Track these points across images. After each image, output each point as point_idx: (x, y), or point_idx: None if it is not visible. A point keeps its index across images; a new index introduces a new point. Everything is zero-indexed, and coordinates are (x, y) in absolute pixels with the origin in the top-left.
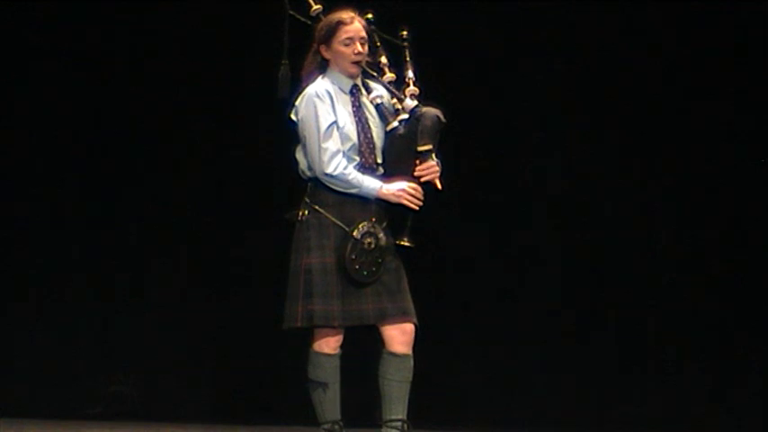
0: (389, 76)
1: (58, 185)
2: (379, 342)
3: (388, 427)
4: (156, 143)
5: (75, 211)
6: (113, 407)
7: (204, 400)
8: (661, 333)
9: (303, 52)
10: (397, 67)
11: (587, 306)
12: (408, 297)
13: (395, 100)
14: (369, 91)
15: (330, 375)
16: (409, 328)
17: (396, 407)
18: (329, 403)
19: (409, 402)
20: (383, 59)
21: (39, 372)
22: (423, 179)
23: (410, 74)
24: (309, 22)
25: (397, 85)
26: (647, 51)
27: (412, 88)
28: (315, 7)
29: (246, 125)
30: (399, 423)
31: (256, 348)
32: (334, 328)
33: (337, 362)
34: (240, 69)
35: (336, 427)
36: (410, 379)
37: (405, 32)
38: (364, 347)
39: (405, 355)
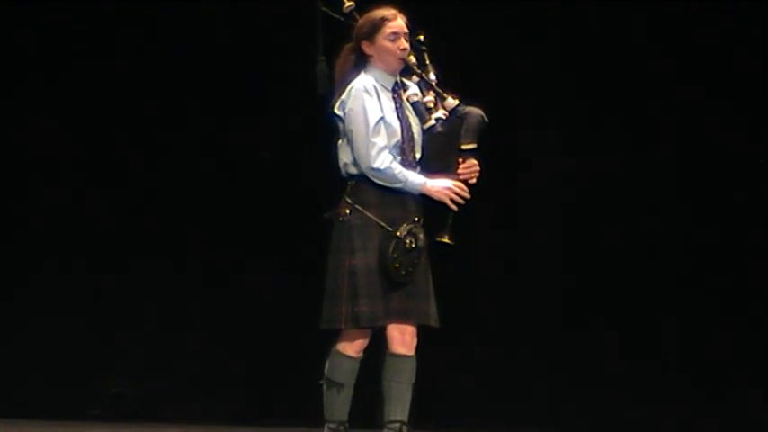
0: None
1: (60, 183)
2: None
3: (387, 428)
4: (161, 131)
5: (76, 210)
6: (113, 408)
7: (204, 400)
8: (665, 335)
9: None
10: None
11: (589, 306)
12: (434, 299)
13: (427, 99)
14: (405, 89)
15: (348, 377)
16: (412, 329)
17: (395, 408)
18: (340, 404)
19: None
20: (411, 59)
21: (39, 372)
22: (464, 178)
23: (432, 76)
24: (342, 19)
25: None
26: (652, 49)
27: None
28: (347, 4)
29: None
30: (398, 425)
31: (257, 348)
32: (368, 329)
33: (357, 365)
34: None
35: (342, 427)
36: (412, 380)
37: (421, 36)
38: (372, 348)
39: (405, 356)
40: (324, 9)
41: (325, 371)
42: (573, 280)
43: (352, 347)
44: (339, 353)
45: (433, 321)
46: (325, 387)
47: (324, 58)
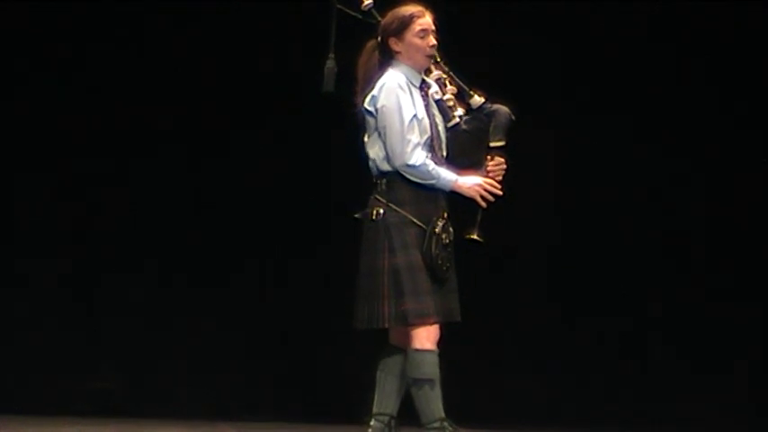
0: (436, 74)
1: (61, 180)
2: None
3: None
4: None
5: (70, 209)
6: (99, 403)
7: (190, 397)
8: (658, 332)
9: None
10: None
11: (582, 303)
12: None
13: (446, 96)
14: (428, 86)
15: (435, 372)
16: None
17: (387, 401)
18: (436, 400)
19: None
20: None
21: (24, 368)
22: (492, 175)
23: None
24: (360, 17)
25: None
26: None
27: (450, 87)
28: (366, 2)
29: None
30: (386, 418)
31: (243, 346)
32: (431, 324)
33: (438, 359)
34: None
35: (446, 423)
36: (412, 375)
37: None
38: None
39: (410, 350)
40: (339, 6)
41: (412, 374)
42: (567, 275)
43: (429, 341)
44: (420, 350)
45: (460, 317)
46: (416, 390)
47: (333, 55)
